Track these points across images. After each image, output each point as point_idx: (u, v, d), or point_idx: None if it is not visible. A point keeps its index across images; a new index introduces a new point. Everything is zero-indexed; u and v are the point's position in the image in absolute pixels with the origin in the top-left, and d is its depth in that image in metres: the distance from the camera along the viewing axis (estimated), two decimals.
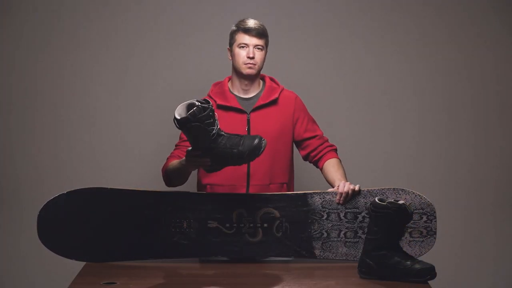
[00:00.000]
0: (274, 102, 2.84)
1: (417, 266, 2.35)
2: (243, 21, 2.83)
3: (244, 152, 2.43)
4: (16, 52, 3.58)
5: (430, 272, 2.34)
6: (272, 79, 2.92)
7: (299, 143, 2.89)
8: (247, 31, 2.79)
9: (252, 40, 2.78)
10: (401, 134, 3.68)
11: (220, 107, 2.82)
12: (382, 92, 3.67)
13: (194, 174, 2.92)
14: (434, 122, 3.68)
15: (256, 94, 2.86)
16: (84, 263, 2.55)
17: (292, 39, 3.64)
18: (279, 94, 2.86)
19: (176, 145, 2.85)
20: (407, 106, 3.67)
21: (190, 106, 2.35)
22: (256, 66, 2.80)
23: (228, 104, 2.82)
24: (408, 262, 2.36)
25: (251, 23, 2.81)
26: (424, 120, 3.68)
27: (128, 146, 3.62)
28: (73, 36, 3.59)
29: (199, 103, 2.35)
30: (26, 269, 3.61)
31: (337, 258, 2.62)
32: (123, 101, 3.62)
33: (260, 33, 2.80)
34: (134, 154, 3.61)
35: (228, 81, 2.90)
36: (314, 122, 2.92)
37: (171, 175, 2.69)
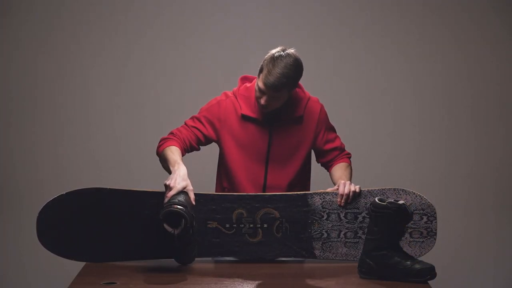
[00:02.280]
0: (299, 119, 2.78)
1: (417, 266, 2.35)
2: (273, 64, 2.63)
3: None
4: (15, 52, 3.58)
5: (430, 272, 2.34)
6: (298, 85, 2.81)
7: (318, 151, 2.85)
8: (265, 84, 2.63)
9: (269, 92, 2.65)
10: (402, 134, 3.68)
11: (244, 116, 2.75)
12: (382, 92, 3.67)
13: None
14: (435, 122, 3.68)
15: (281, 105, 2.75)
16: (84, 263, 2.55)
17: (293, 39, 3.64)
18: (304, 109, 2.78)
19: (185, 123, 2.77)
20: (407, 106, 3.67)
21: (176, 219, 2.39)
22: (270, 109, 2.71)
23: (252, 116, 2.74)
24: (408, 262, 2.36)
25: (272, 75, 2.62)
26: (424, 120, 3.68)
27: (128, 146, 3.62)
28: (73, 37, 3.59)
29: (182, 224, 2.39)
30: (26, 270, 3.61)
31: (337, 258, 2.62)
32: (123, 101, 3.62)
33: (277, 88, 2.63)
34: (134, 154, 3.61)
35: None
36: (334, 131, 2.87)
37: (162, 161, 2.64)
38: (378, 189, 2.61)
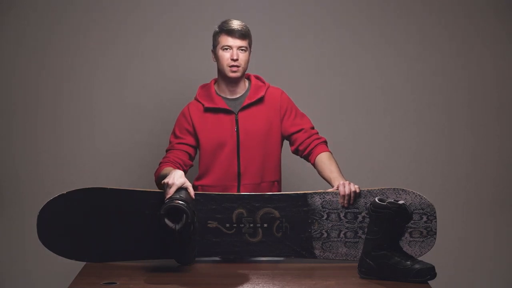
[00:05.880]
0: (260, 100, 2.86)
1: (417, 266, 2.35)
2: (225, 22, 2.82)
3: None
4: (17, 52, 3.58)
5: (430, 272, 2.34)
6: (257, 77, 2.93)
7: (287, 138, 2.91)
8: (230, 32, 2.78)
9: (235, 42, 2.78)
10: (401, 134, 3.68)
11: (208, 109, 2.84)
12: (382, 92, 3.67)
13: (191, 175, 2.92)
14: (434, 122, 3.68)
15: (243, 94, 2.87)
16: (84, 263, 2.55)
17: (292, 39, 3.65)
18: (265, 92, 2.87)
19: (166, 150, 2.87)
20: (406, 106, 3.67)
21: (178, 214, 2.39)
22: (240, 68, 2.80)
23: (215, 106, 2.84)
24: (408, 262, 2.36)
25: (234, 24, 2.79)
26: (423, 120, 3.68)
27: (128, 146, 3.62)
28: (74, 36, 3.59)
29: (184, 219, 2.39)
30: (26, 269, 3.61)
31: (337, 258, 2.62)
32: (123, 101, 3.62)
33: (243, 34, 2.79)
34: (134, 154, 3.61)
35: (214, 83, 2.92)
36: (302, 116, 2.91)
37: (161, 186, 2.67)
38: (378, 189, 2.62)
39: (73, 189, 2.54)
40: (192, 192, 2.50)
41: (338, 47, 3.66)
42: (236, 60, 2.78)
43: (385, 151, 3.68)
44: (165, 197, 2.46)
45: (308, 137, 2.86)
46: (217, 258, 2.65)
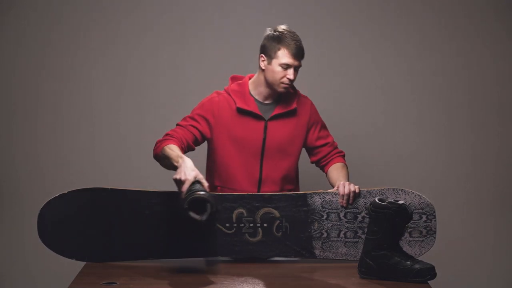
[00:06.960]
0: (292, 112, 2.82)
1: (417, 266, 2.35)
2: (288, 37, 2.71)
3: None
4: (17, 52, 3.58)
5: (430, 272, 2.34)
6: None
7: (310, 149, 2.88)
8: (293, 51, 2.70)
9: (295, 63, 2.71)
10: (401, 134, 3.68)
11: (239, 110, 2.78)
12: (382, 92, 3.67)
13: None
14: (434, 122, 3.68)
15: (275, 100, 2.81)
16: (84, 263, 2.55)
17: None
18: (298, 103, 2.83)
19: (178, 124, 2.78)
20: (406, 106, 3.68)
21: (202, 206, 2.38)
22: (290, 86, 2.78)
23: (248, 109, 2.77)
24: (408, 262, 2.36)
25: (298, 43, 2.71)
26: (423, 120, 3.68)
27: (128, 146, 3.62)
28: (75, 36, 3.59)
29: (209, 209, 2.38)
30: (26, 269, 3.61)
31: (337, 258, 2.62)
32: (124, 101, 3.62)
33: (303, 55, 2.74)
34: (134, 154, 3.61)
35: (249, 80, 2.83)
36: (325, 128, 2.90)
37: (162, 160, 2.61)
38: (378, 189, 2.62)
39: (74, 189, 2.54)
40: (205, 184, 2.43)
41: (338, 47, 3.66)
42: (294, 79, 2.74)
43: (385, 151, 3.68)
44: (181, 192, 2.42)
45: (331, 151, 2.87)
46: (217, 258, 2.65)
